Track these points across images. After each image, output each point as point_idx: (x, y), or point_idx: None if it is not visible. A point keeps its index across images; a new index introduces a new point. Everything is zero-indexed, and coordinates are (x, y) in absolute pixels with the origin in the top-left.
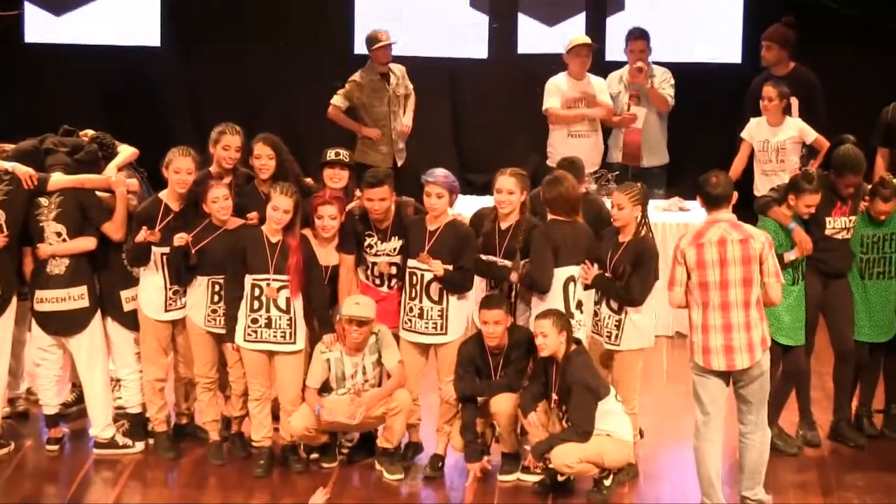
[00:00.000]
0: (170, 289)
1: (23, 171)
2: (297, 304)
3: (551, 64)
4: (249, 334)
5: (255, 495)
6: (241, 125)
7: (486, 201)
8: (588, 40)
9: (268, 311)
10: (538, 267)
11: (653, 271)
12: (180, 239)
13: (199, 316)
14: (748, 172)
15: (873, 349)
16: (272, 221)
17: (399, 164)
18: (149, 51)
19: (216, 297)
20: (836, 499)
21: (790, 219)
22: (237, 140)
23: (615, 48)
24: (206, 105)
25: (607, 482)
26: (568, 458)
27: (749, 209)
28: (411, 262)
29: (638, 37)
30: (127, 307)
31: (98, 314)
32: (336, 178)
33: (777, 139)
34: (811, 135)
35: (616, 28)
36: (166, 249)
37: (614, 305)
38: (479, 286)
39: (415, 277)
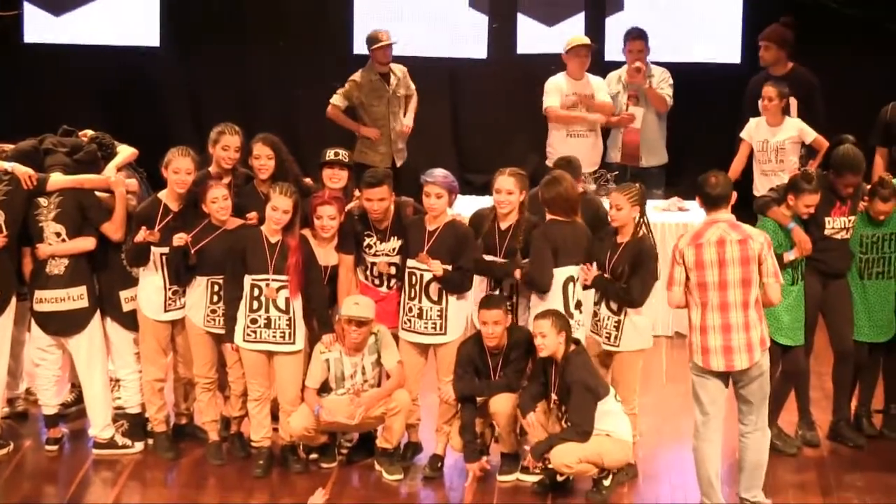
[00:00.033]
0: (169, 289)
1: (22, 171)
2: (297, 305)
3: (550, 64)
4: (249, 334)
5: (255, 495)
6: (240, 125)
7: (485, 201)
8: (587, 41)
9: (267, 311)
10: (538, 267)
11: (652, 272)
12: (179, 239)
13: (198, 316)
14: (748, 172)
15: (872, 349)
16: (271, 221)
17: (398, 164)
18: (148, 51)
19: (215, 298)
20: (836, 499)
21: (789, 219)
22: (236, 140)
23: (614, 48)
24: (205, 105)
25: (606, 482)
26: (567, 458)
27: (748, 209)
28: (410, 263)
29: (636, 37)
30: (126, 307)
31: (97, 314)
32: (335, 179)
33: (776, 139)
34: (810, 135)
35: (615, 28)
36: (165, 249)
37: (614, 306)
38: (479, 286)
39: (414, 277)
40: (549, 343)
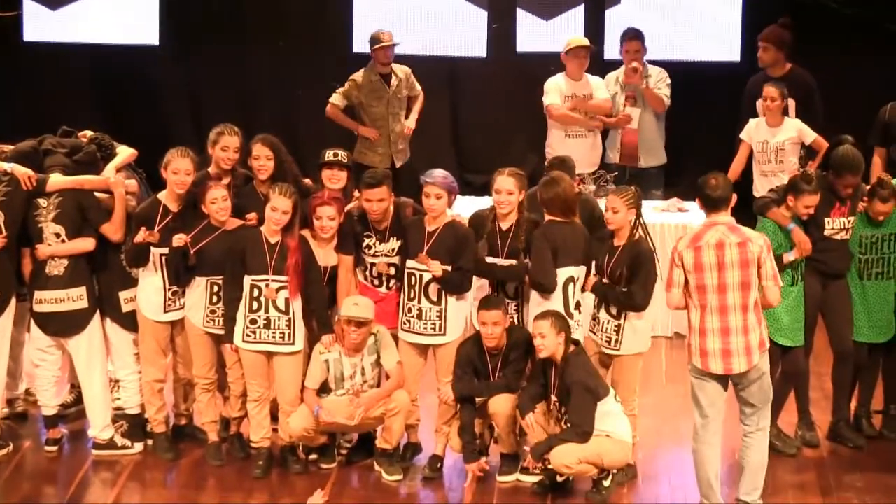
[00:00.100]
0: (169, 289)
1: (21, 171)
2: (296, 305)
3: (550, 64)
4: (248, 335)
5: (254, 496)
6: (240, 125)
7: (485, 202)
8: (586, 42)
9: (266, 311)
10: (541, 269)
11: (652, 274)
12: (179, 240)
13: (197, 317)
14: (747, 173)
15: (872, 350)
16: (271, 222)
17: (398, 164)
18: (148, 50)
19: (215, 298)
20: (835, 499)
21: (789, 219)
22: (236, 141)
23: (613, 43)
24: (205, 105)
25: (606, 483)
26: (567, 458)
27: (748, 210)
28: (410, 263)
29: (632, 37)
30: (126, 308)
31: (97, 315)
32: (335, 179)
33: (776, 140)
34: (810, 135)
35: (614, 22)
36: (165, 250)
37: (613, 310)
38: (480, 286)
39: (413, 278)
40: (548, 344)
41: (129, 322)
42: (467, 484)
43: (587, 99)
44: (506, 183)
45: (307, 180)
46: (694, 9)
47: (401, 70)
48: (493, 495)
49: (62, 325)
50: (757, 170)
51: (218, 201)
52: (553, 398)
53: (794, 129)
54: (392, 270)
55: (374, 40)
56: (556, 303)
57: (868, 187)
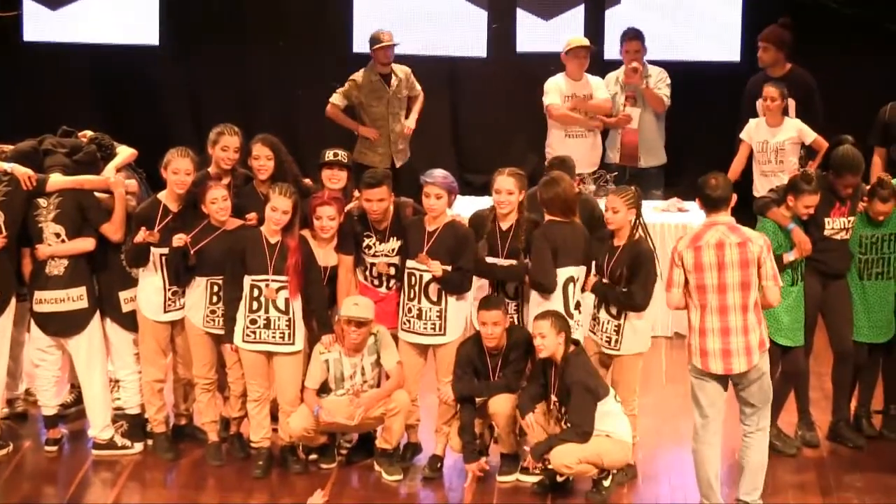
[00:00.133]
0: (169, 289)
1: (21, 171)
2: (296, 305)
3: (550, 64)
4: (248, 335)
5: (254, 496)
6: (240, 125)
7: (485, 202)
8: (586, 42)
9: (266, 311)
10: (541, 269)
11: (652, 274)
12: (179, 240)
13: (197, 317)
14: (747, 173)
15: (872, 350)
16: (271, 222)
17: (398, 164)
18: (148, 50)
19: (215, 298)
20: (835, 499)
21: (789, 219)
22: (236, 141)
23: (613, 43)
24: (205, 105)
25: (606, 482)
26: (567, 458)
27: (748, 210)
28: (410, 263)
29: (632, 37)
30: (126, 308)
31: (97, 315)
32: (335, 179)
33: (776, 140)
34: (810, 135)
35: (614, 22)
36: (165, 250)
37: (613, 311)
38: (479, 286)
39: (413, 278)
40: (548, 344)
41: (129, 322)
42: (467, 484)
43: (587, 99)
44: (506, 183)
45: (307, 180)
46: (694, 9)
47: (401, 70)
48: (493, 495)
49: (62, 325)
50: (757, 170)
51: (218, 201)
52: (553, 398)
53: (795, 129)
54: (392, 270)
55: (374, 40)
56: (556, 303)
57: (868, 187)
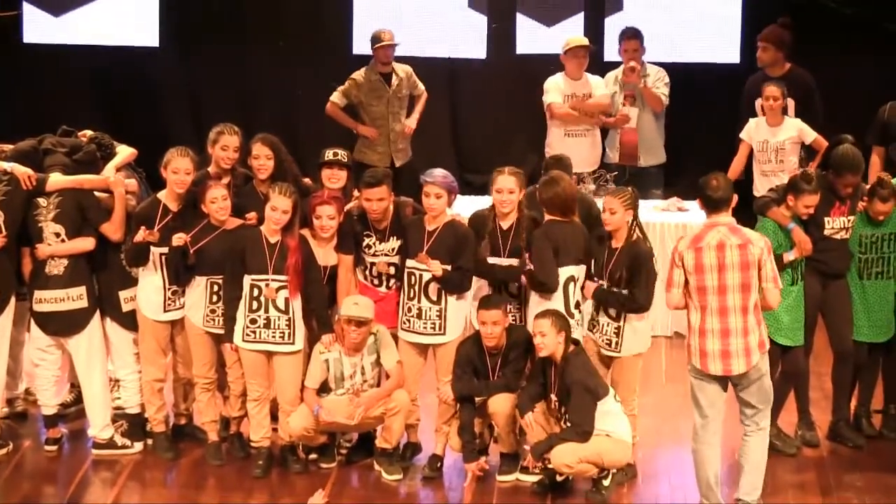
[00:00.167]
0: (168, 289)
1: (21, 171)
2: (296, 305)
3: (549, 64)
4: (248, 335)
5: (254, 496)
6: (240, 125)
7: (485, 201)
8: (585, 41)
9: (266, 311)
10: (543, 268)
11: (652, 274)
12: (179, 239)
13: (197, 316)
14: (748, 173)
15: (872, 349)
16: (271, 222)
17: (398, 164)
18: (148, 51)
19: (215, 298)
20: (835, 499)
21: (789, 219)
22: (235, 140)
23: (613, 48)
24: (205, 105)
25: (606, 482)
26: (567, 457)
27: (748, 210)
28: (410, 263)
29: (631, 36)
30: (126, 307)
31: (97, 314)
32: (334, 179)
33: (776, 140)
34: (810, 135)
35: (615, 28)
36: (165, 249)
37: (612, 313)
38: (479, 286)
39: (413, 277)
40: (548, 342)
41: (129, 321)
42: (467, 483)
43: (586, 98)
44: (507, 182)
45: (307, 180)
46: (694, 9)
47: (402, 69)
48: (492, 495)
49: (62, 325)
50: (757, 169)
51: (218, 201)
52: (553, 398)
53: (795, 129)
54: (392, 270)
55: (375, 39)
56: (556, 302)
57: (868, 187)
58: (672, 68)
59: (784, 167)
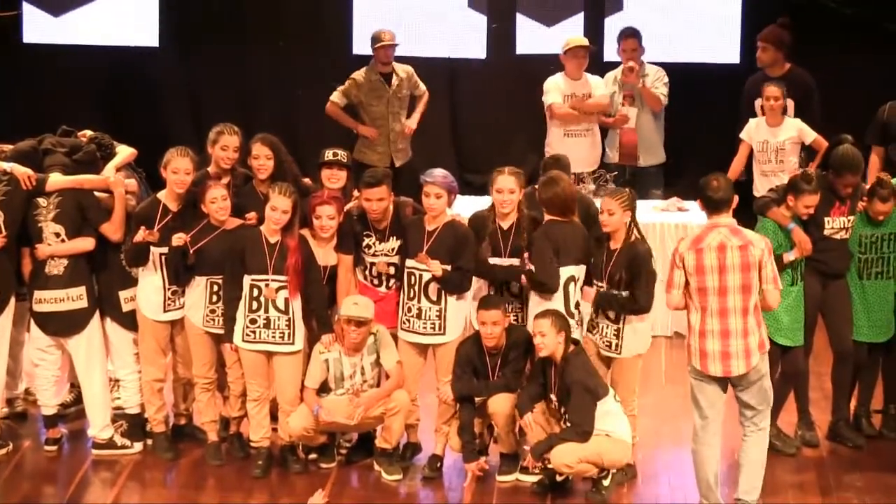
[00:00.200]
0: (168, 289)
1: (21, 171)
2: (296, 305)
3: (549, 64)
4: (248, 335)
5: (254, 496)
6: (240, 125)
7: (485, 202)
8: (585, 42)
9: (266, 311)
10: (544, 269)
11: (651, 275)
12: (178, 239)
13: (197, 316)
14: (749, 173)
15: (872, 349)
16: (271, 222)
17: (398, 164)
18: (147, 51)
19: (215, 298)
20: (835, 499)
21: (789, 219)
22: (235, 140)
23: (613, 49)
24: (205, 105)
25: (606, 482)
26: (567, 457)
27: (748, 210)
28: (409, 263)
29: (629, 36)
30: (125, 307)
31: (97, 314)
32: (334, 179)
33: (776, 140)
34: (810, 135)
35: (615, 29)
36: (165, 249)
37: (612, 315)
38: (478, 285)
39: (413, 278)
40: (548, 343)
41: (129, 321)
42: (467, 483)
43: (586, 98)
44: (507, 182)
45: (307, 180)
46: (694, 9)
47: (402, 70)
48: (492, 495)
49: (62, 325)
50: (757, 170)
51: (217, 201)
52: (553, 398)
53: (795, 129)
54: (392, 270)
55: (375, 39)
56: (556, 302)
57: (868, 187)
58: (672, 68)
59: (784, 167)
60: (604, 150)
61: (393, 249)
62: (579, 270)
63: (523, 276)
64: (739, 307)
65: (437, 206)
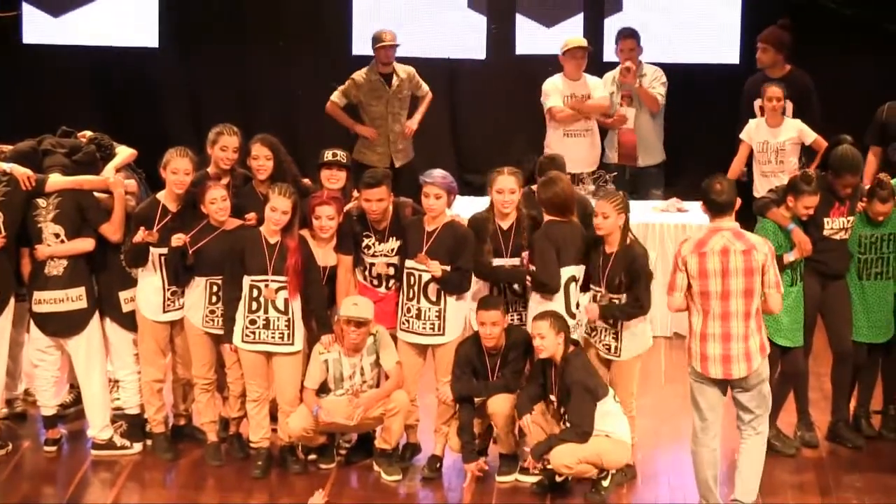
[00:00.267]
0: (168, 289)
1: (21, 172)
2: (296, 305)
3: (549, 65)
4: (247, 335)
5: (254, 496)
6: (239, 125)
7: (485, 202)
8: (584, 42)
9: (266, 312)
10: (545, 269)
11: (649, 275)
12: (178, 239)
13: (197, 317)
14: (750, 174)
15: (871, 350)
16: (270, 222)
17: (397, 164)
18: (147, 51)
19: (214, 298)
20: (835, 499)
21: (789, 220)
22: (235, 141)
23: (613, 49)
24: (205, 105)
25: (605, 483)
26: (567, 458)
27: (748, 210)
28: (409, 263)
29: (627, 36)
30: (125, 308)
31: (96, 315)
32: (334, 179)
33: (777, 140)
34: (810, 136)
35: (614, 29)
36: (164, 250)
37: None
38: (478, 286)
39: (412, 278)
40: (548, 344)
41: (129, 322)
42: (466, 484)
43: (585, 99)
44: (507, 182)
45: (306, 180)
46: (693, 10)
47: (403, 70)
48: (492, 495)
49: (61, 326)
50: (757, 170)
51: (217, 201)
52: (552, 398)
53: (795, 130)
54: (391, 270)
55: (376, 39)
56: (557, 302)
57: (867, 187)
58: (672, 69)
59: (784, 168)
60: (603, 150)
61: (392, 250)
62: (579, 270)
63: (528, 278)
64: (742, 311)
65: (436, 206)
